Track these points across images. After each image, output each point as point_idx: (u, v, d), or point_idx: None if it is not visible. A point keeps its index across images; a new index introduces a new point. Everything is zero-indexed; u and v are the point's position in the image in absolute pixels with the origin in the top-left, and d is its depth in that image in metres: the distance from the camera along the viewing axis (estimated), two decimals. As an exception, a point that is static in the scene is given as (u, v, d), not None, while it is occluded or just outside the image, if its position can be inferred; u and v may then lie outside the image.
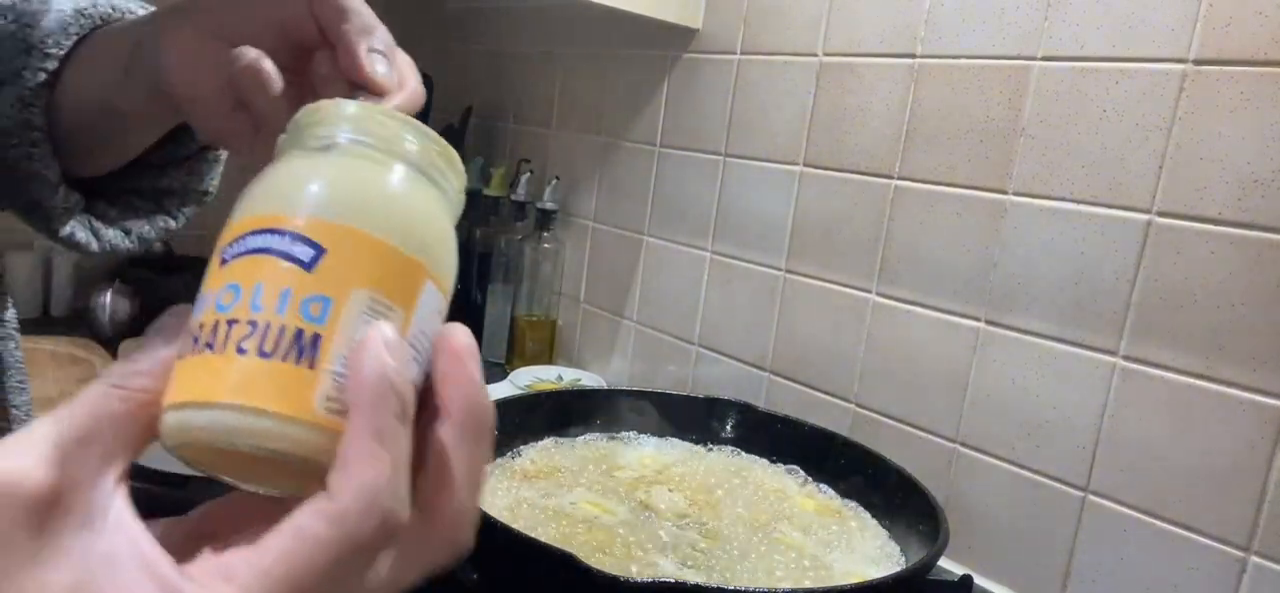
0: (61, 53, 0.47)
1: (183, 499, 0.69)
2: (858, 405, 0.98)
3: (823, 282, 1.02)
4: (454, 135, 1.44)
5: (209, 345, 0.24)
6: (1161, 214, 0.75)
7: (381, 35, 0.39)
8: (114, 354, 1.11)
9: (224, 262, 0.26)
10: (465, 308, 1.41)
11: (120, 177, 0.53)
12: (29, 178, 0.49)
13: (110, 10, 0.49)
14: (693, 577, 0.63)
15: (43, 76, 0.47)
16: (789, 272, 1.05)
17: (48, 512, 0.23)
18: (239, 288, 0.25)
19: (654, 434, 0.87)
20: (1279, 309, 0.70)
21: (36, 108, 0.48)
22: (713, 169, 1.13)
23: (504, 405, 0.85)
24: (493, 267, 1.36)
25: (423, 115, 0.34)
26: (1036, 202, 0.83)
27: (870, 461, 0.80)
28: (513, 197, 1.33)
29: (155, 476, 0.76)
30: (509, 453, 0.81)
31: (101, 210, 0.52)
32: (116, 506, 0.24)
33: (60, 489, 0.23)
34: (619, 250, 1.27)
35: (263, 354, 0.24)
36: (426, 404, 0.27)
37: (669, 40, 1.17)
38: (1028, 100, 0.83)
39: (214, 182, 0.57)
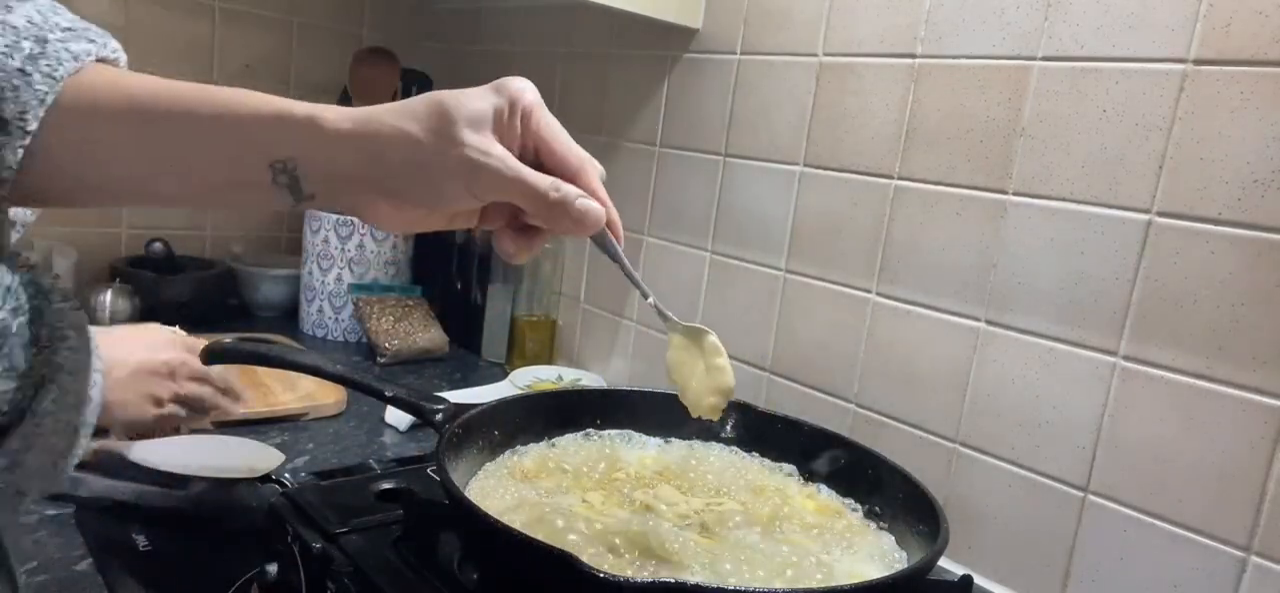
0: (34, 128, 0.43)
1: (183, 499, 0.69)
2: (858, 405, 0.98)
3: (823, 282, 1.02)
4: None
5: None
6: (1161, 214, 0.75)
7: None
8: (114, 354, 1.10)
9: None
10: (465, 308, 1.41)
11: None
12: None
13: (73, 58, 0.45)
14: (693, 577, 0.62)
15: (20, 155, 0.43)
16: (789, 272, 1.05)
17: None
18: None
19: (654, 434, 0.87)
20: (1279, 309, 0.70)
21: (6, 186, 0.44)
22: (712, 169, 1.13)
23: (504, 406, 0.85)
24: (493, 267, 1.36)
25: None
26: (1036, 202, 0.83)
27: (870, 461, 0.80)
28: (513, 196, 1.33)
29: (155, 476, 0.76)
30: (509, 453, 0.81)
31: None
32: None
33: None
34: (619, 250, 1.26)
35: None
36: None
37: (669, 40, 1.17)
38: (1028, 100, 0.83)
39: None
